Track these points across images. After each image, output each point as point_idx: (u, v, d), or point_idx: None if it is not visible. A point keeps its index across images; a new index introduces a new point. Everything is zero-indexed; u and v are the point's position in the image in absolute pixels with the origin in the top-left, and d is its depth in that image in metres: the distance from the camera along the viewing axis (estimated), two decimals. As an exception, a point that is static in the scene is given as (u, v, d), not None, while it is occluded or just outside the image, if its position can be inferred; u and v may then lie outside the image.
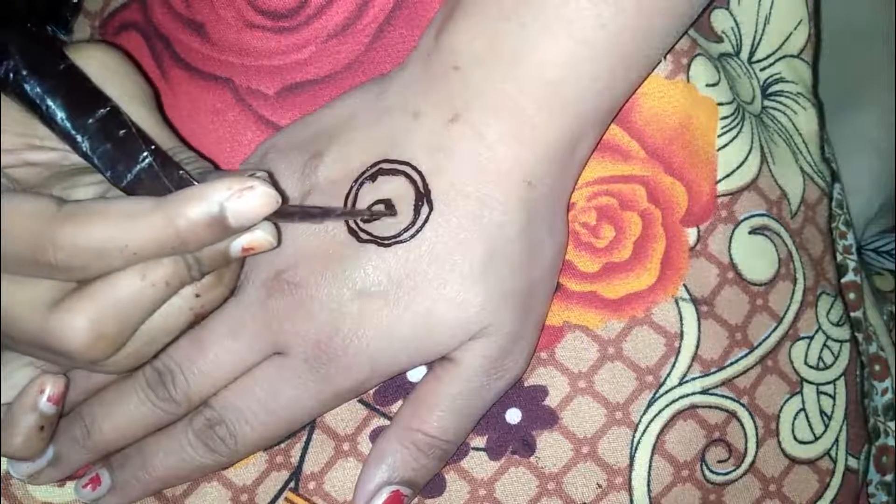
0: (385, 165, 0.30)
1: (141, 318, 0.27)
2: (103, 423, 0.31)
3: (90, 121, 0.27)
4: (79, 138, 0.27)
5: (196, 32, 0.34)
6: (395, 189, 0.30)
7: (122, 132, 0.27)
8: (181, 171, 0.27)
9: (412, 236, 0.29)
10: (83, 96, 0.27)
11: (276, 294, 0.30)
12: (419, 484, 0.32)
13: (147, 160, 0.27)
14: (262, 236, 0.27)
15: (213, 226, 0.26)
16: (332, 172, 0.31)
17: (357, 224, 0.30)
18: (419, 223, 0.29)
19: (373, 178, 0.30)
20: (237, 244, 0.27)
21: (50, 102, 0.27)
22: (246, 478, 0.33)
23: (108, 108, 0.27)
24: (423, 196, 0.30)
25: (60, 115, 0.27)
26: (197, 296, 0.28)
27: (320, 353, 0.30)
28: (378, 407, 0.33)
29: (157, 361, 0.31)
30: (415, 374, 0.33)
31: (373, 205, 0.30)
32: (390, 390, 0.33)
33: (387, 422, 0.33)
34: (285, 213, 0.28)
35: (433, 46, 0.31)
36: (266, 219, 0.27)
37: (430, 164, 0.30)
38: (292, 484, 0.33)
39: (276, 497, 0.33)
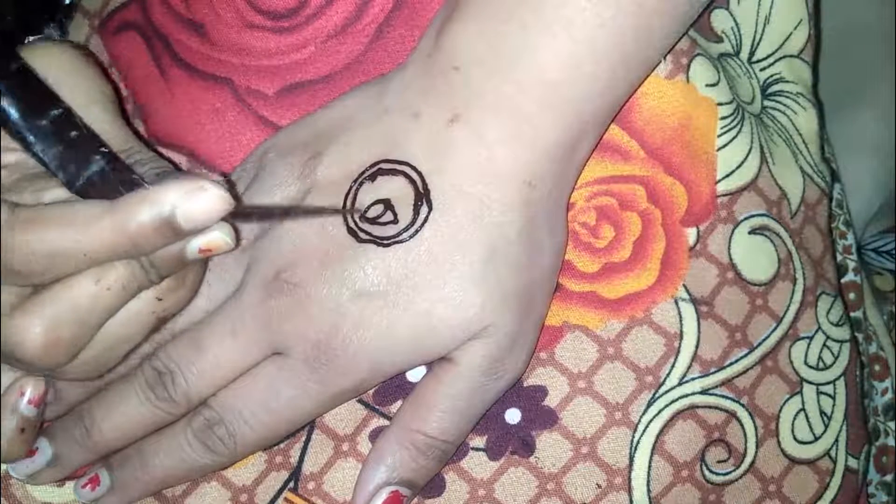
0: (384, 165, 0.30)
1: (97, 322, 0.27)
2: (103, 423, 0.31)
3: (43, 122, 0.27)
4: (31, 139, 0.27)
5: (196, 32, 0.34)
6: (395, 189, 0.30)
7: (74, 134, 0.27)
8: (134, 175, 0.27)
9: (411, 236, 0.29)
10: (36, 97, 0.27)
11: (275, 294, 0.30)
12: (419, 484, 0.32)
13: (99, 163, 0.27)
14: (218, 237, 0.27)
15: (164, 228, 0.26)
16: (331, 172, 0.31)
17: (356, 224, 0.30)
18: (418, 223, 0.29)
19: (372, 178, 0.30)
20: (193, 246, 0.27)
21: (3, 103, 0.27)
22: (245, 478, 0.33)
23: (60, 110, 0.27)
24: (422, 196, 0.30)
25: (13, 115, 0.27)
26: (159, 299, 0.28)
27: (320, 354, 0.30)
28: (377, 407, 0.33)
29: (156, 361, 0.31)
30: (414, 374, 0.33)
31: (372, 205, 0.30)
32: (390, 390, 0.33)
33: (386, 422, 0.33)
34: (241, 213, 0.28)
35: (433, 47, 0.31)
36: (223, 219, 0.27)
37: (429, 164, 0.30)
38: (291, 484, 0.33)
39: (276, 497, 0.33)
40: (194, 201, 0.26)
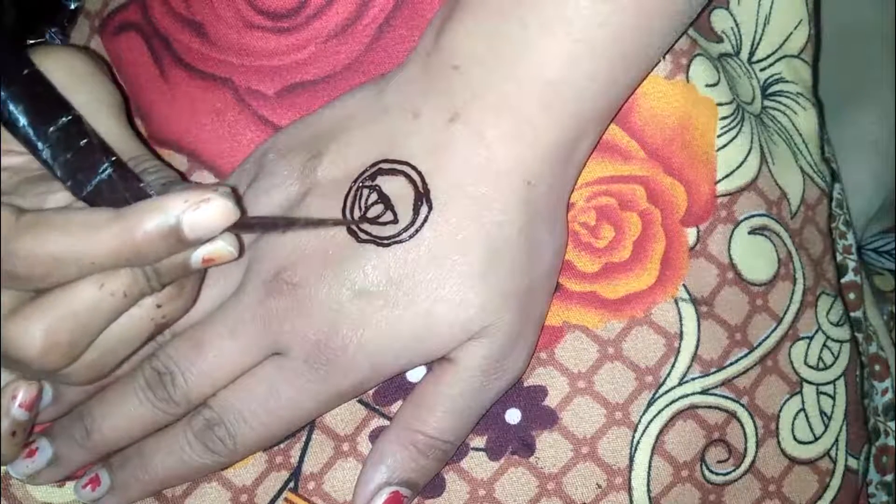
0: (384, 165, 0.30)
1: (98, 327, 0.27)
2: (103, 423, 0.31)
3: (52, 129, 0.27)
4: (40, 146, 0.27)
5: (196, 32, 0.34)
6: (395, 189, 0.30)
7: (83, 142, 0.27)
8: (141, 184, 0.27)
9: (411, 236, 0.29)
10: (46, 103, 0.27)
11: (275, 294, 0.30)
12: (419, 484, 0.32)
13: (107, 171, 0.27)
14: (222, 247, 0.27)
15: (170, 238, 0.26)
16: (331, 172, 0.31)
17: (357, 224, 0.30)
18: (418, 223, 0.29)
19: (372, 177, 0.30)
20: (197, 255, 0.27)
21: (12, 108, 0.27)
22: (245, 478, 0.33)
23: (70, 117, 0.27)
24: (422, 196, 0.30)
25: (22, 121, 0.27)
26: (158, 306, 0.28)
27: (320, 354, 0.30)
28: (378, 407, 0.33)
29: (156, 361, 0.31)
30: (414, 374, 0.33)
31: (372, 205, 0.30)
32: (390, 390, 0.33)
33: (386, 422, 0.33)
34: (245, 224, 0.28)
35: (433, 46, 0.31)
36: (228, 230, 0.27)
37: (429, 163, 0.30)
38: (292, 484, 0.33)
39: (276, 497, 0.33)
40: (200, 211, 0.26)
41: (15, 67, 0.27)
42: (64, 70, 0.29)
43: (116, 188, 0.27)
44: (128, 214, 0.26)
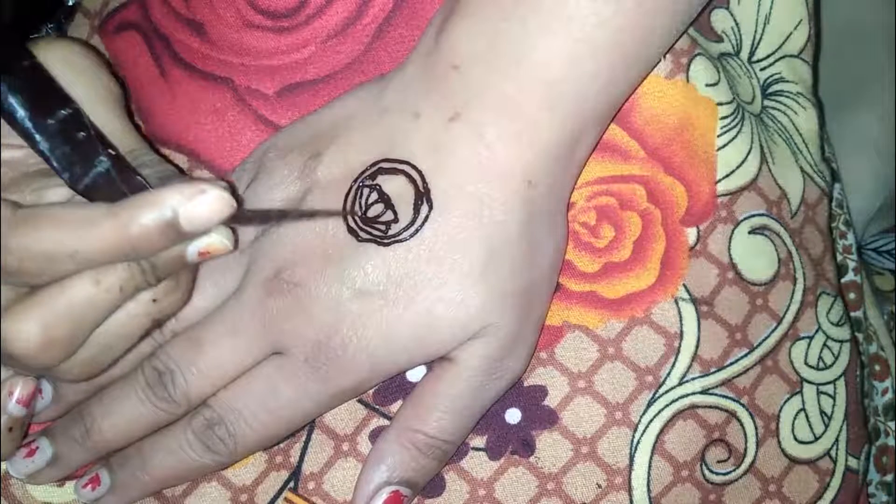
0: (385, 165, 0.30)
1: (93, 323, 0.27)
2: (102, 422, 0.31)
3: (50, 121, 0.27)
4: (38, 137, 0.27)
5: (196, 32, 0.34)
6: (395, 188, 0.30)
7: (81, 135, 0.27)
8: (138, 177, 0.27)
9: (412, 235, 0.29)
10: (45, 96, 0.27)
11: (275, 294, 0.30)
12: (419, 484, 0.32)
13: (104, 165, 0.27)
14: (217, 240, 0.27)
15: (166, 231, 0.26)
16: (331, 172, 0.31)
17: (356, 223, 0.30)
18: (419, 222, 0.29)
19: (372, 177, 0.30)
20: (193, 248, 0.27)
21: (11, 99, 0.26)
22: (245, 478, 0.33)
23: (69, 110, 0.27)
24: (422, 195, 0.30)
25: (20, 112, 0.26)
26: (154, 301, 0.28)
27: (320, 353, 0.30)
28: (378, 407, 0.33)
29: (156, 361, 0.31)
30: (414, 374, 0.33)
31: (372, 204, 0.30)
32: (390, 390, 0.33)
33: (386, 422, 0.33)
34: (241, 217, 0.28)
35: (433, 46, 0.31)
36: (223, 223, 0.27)
37: (429, 163, 0.30)
38: (292, 484, 0.33)
39: (276, 497, 0.33)
40: (196, 203, 0.26)
41: (14, 59, 0.27)
42: (63, 63, 0.29)
43: (114, 182, 0.27)
44: (123, 208, 0.26)
